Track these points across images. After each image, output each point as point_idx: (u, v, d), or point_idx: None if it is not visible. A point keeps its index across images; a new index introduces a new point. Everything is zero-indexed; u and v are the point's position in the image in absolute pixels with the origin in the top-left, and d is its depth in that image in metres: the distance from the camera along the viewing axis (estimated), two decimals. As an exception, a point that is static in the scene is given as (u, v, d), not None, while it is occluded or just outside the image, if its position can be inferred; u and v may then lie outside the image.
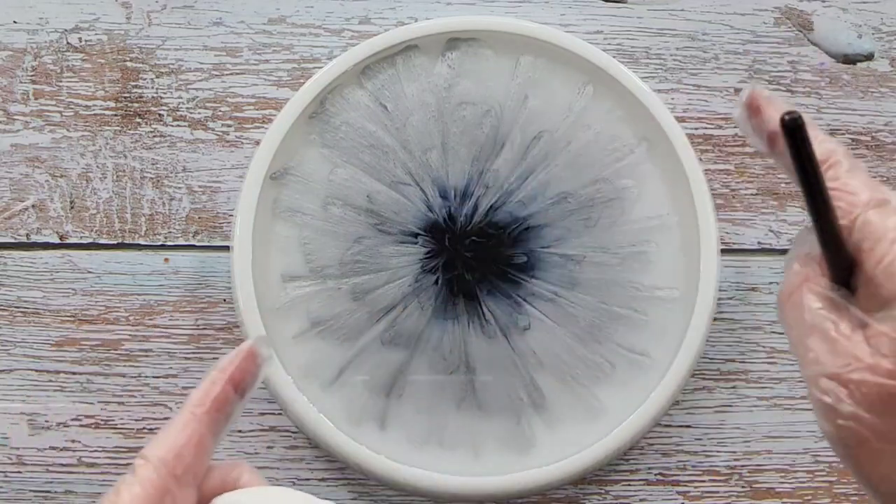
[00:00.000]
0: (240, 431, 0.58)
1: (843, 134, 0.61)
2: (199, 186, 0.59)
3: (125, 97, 0.60)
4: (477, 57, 0.58)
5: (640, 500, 0.58)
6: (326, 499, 0.58)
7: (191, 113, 0.60)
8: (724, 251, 0.59)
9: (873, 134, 0.61)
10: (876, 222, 0.34)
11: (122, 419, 0.58)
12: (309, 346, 0.56)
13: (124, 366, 0.58)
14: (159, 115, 0.60)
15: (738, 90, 0.61)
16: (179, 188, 0.59)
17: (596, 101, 0.58)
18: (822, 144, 0.36)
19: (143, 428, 0.58)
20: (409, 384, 0.55)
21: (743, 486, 0.57)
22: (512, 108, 0.57)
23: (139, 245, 0.59)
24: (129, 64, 0.60)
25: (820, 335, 0.34)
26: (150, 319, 0.58)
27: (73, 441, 0.57)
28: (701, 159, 0.60)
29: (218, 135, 0.60)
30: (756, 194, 0.61)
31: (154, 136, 0.59)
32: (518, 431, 0.55)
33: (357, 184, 0.57)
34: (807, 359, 0.34)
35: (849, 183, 0.35)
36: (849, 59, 0.62)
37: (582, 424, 0.55)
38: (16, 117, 0.59)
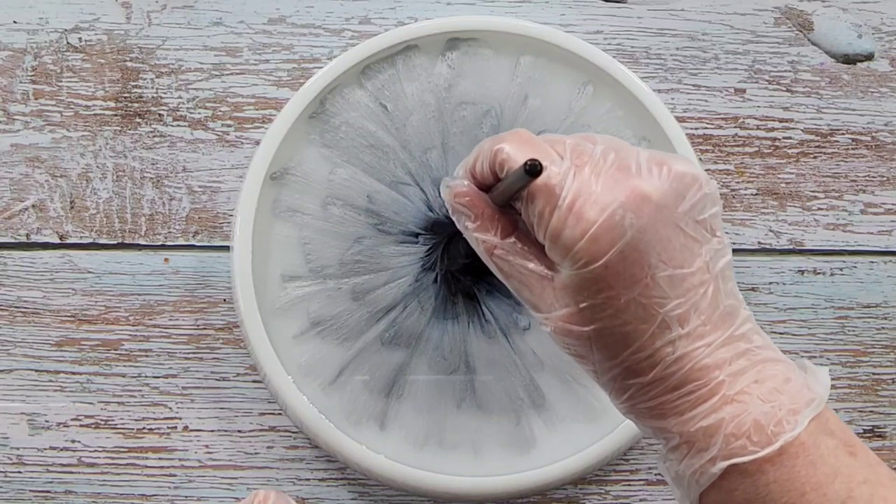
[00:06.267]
0: (239, 431, 0.58)
1: (843, 134, 0.61)
2: (199, 186, 0.59)
3: (125, 97, 0.60)
4: (477, 57, 0.58)
5: (640, 500, 0.58)
6: (326, 499, 0.58)
7: (191, 113, 0.60)
8: (724, 251, 0.59)
9: (873, 134, 0.61)
10: (537, 200, 0.40)
11: (122, 419, 0.58)
12: (309, 346, 0.56)
13: (124, 366, 0.58)
14: (159, 115, 0.60)
15: (738, 90, 0.61)
16: (179, 188, 0.59)
17: (596, 101, 0.58)
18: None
19: (143, 428, 0.58)
20: (409, 384, 0.55)
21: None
22: (512, 108, 0.57)
23: (139, 245, 0.59)
24: (129, 64, 0.60)
25: (527, 288, 0.42)
26: (150, 319, 0.58)
27: (73, 441, 0.57)
28: (701, 159, 0.60)
29: (218, 135, 0.60)
30: (756, 194, 0.61)
31: (154, 136, 0.59)
32: (518, 431, 0.55)
33: (357, 184, 0.57)
34: (527, 303, 0.42)
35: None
36: (849, 59, 0.62)
37: (582, 424, 0.55)
38: (16, 117, 0.59)
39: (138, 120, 0.60)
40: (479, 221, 0.43)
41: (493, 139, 0.42)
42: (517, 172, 0.39)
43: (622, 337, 0.39)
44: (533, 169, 0.38)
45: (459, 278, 0.55)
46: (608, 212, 0.38)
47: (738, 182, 0.61)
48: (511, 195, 0.41)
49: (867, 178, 0.61)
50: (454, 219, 0.44)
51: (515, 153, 0.41)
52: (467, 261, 0.54)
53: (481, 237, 0.43)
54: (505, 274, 0.43)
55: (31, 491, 0.57)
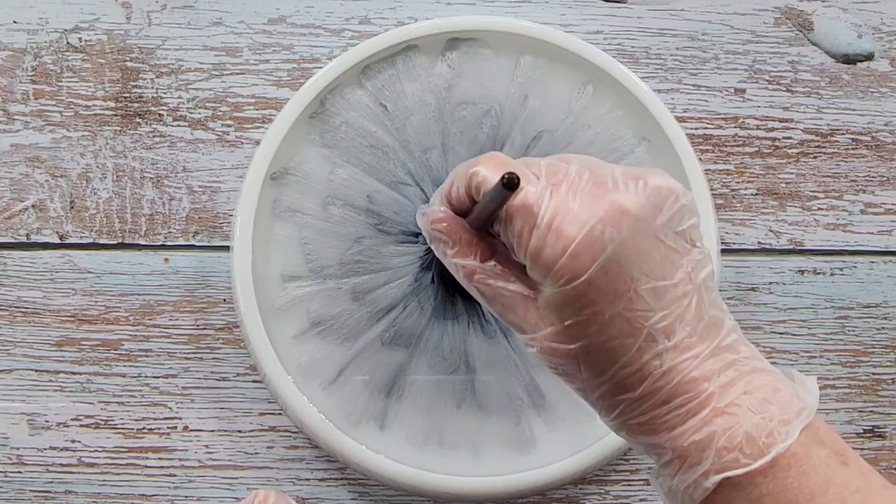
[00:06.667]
0: (239, 431, 0.58)
1: (843, 134, 0.61)
2: (199, 186, 0.59)
3: (125, 97, 0.60)
4: (477, 57, 0.58)
5: (640, 500, 0.58)
6: (326, 499, 0.58)
7: (191, 113, 0.60)
8: (723, 251, 0.59)
9: (873, 134, 0.61)
10: (515, 220, 0.40)
11: (122, 419, 0.58)
12: (309, 346, 0.56)
13: (124, 366, 0.58)
14: (159, 115, 0.60)
15: (738, 90, 0.61)
16: (179, 188, 0.59)
17: (596, 101, 0.58)
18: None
19: (143, 428, 0.58)
20: (409, 384, 0.55)
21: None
22: (512, 108, 0.57)
23: (139, 245, 0.59)
24: (129, 64, 0.60)
25: (511, 311, 0.42)
26: (150, 319, 0.58)
27: (73, 441, 0.57)
28: (701, 159, 0.60)
29: (218, 135, 0.60)
30: (756, 194, 0.61)
31: (154, 136, 0.59)
32: (518, 431, 0.55)
33: (357, 184, 0.57)
34: (512, 325, 0.42)
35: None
36: (849, 59, 0.62)
37: (582, 424, 0.55)
38: (16, 117, 0.59)
39: (138, 120, 0.60)
40: (457, 247, 0.43)
41: (468, 163, 0.43)
42: (495, 189, 0.39)
43: (609, 352, 0.39)
44: (510, 182, 0.38)
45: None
46: (587, 227, 0.38)
47: (738, 182, 0.61)
48: (489, 215, 0.41)
49: (867, 178, 0.61)
50: (432, 247, 0.44)
51: (491, 175, 0.41)
52: None
53: (461, 262, 0.43)
54: (487, 298, 0.43)
55: (31, 491, 0.57)
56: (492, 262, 0.42)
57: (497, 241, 0.43)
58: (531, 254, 0.40)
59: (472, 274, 0.43)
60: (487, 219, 0.42)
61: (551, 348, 0.40)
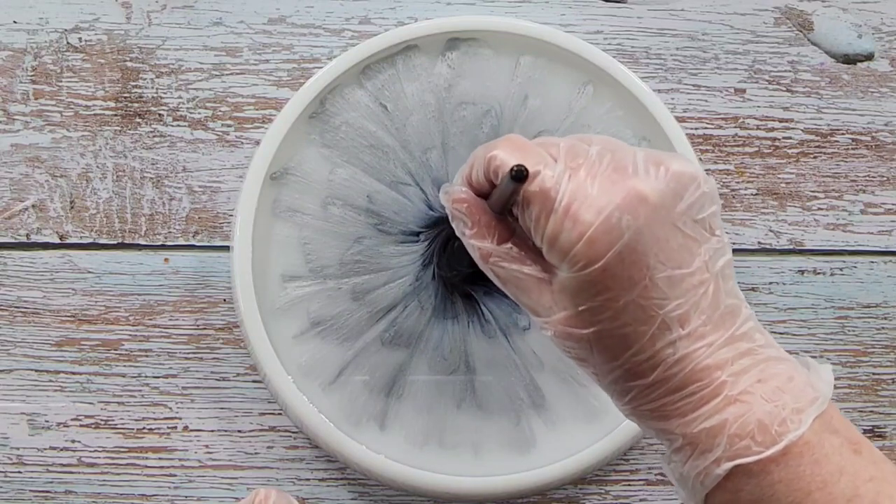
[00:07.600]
0: (239, 431, 0.58)
1: (843, 134, 0.61)
2: (199, 186, 0.59)
3: (125, 97, 0.60)
4: (477, 57, 0.58)
5: (640, 500, 0.58)
6: (326, 499, 0.58)
7: (191, 113, 0.60)
8: (724, 251, 0.59)
9: (873, 134, 0.61)
10: (532, 205, 0.40)
11: (122, 419, 0.58)
12: (309, 346, 0.56)
13: (124, 366, 0.58)
14: (159, 115, 0.60)
15: (738, 90, 0.61)
16: (179, 188, 0.59)
17: (596, 101, 0.58)
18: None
19: (143, 428, 0.58)
20: (409, 384, 0.55)
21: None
22: (512, 108, 0.57)
23: (139, 245, 0.59)
24: (129, 64, 0.60)
25: (525, 293, 0.42)
26: (150, 319, 0.58)
27: (73, 441, 0.57)
28: (701, 159, 0.60)
29: (218, 135, 0.60)
30: (756, 194, 0.61)
31: (154, 136, 0.59)
32: (518, 431, 0.55)
33: (357, 184, 0.57)
34: (526, 308, 0.42)
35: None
36: (849, 59, 0.62)
37: (582, 424, 0.55)
38: (16, 117, 0.59)
39: (138, 120, 0.60)
40: (475, 228, 0.43)
41: (487, 146, 0.42)
42: (505, 179, 0.39)
43: (622, 339, 0.39)
44: (519, 175, 0.38)
45: (455, 282, 0.55)
46: (605, 214, 0.38)
47: (738, 182, 0.61)
48: (505, 201, 0.41)
49: (867, 178, 0.61)
50: (453, 225, 0.44)
51: (509, 159, 0.41)
52: (470, 270, 0.54)
53: (477, 244, 0.43)
54: (502, 280, 0.43)
55: (31, 491, 0.57)
56: (508, 245, 0.42)
57: (516, 224, 0.43)
58: (547, 239, 0.39)
59: (488, 256, 0.42)
60: (504, 204, 0.42)
61: (565, 332, 0.40)
